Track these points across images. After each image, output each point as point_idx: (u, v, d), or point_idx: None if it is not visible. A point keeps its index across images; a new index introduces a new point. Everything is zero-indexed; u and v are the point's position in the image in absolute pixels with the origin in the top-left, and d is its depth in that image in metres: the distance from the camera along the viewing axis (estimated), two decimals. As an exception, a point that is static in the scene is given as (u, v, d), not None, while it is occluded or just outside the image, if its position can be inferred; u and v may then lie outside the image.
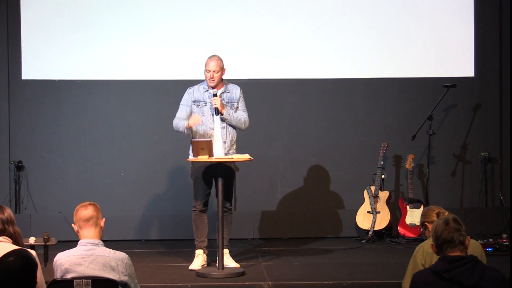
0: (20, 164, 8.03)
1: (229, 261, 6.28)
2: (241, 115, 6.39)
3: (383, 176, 7.87)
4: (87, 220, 3.90)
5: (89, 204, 3.96)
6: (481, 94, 8.32)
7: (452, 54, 8.27)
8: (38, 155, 8.10)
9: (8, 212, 3.99)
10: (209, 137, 6.25)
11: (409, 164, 7.92)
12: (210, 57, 6.36)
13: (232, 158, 6.16)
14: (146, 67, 8.14)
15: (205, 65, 6.33)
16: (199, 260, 6.29)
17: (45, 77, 8.11)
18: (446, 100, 8.09)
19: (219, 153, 6.19)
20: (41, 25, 8.07)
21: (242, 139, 8.02)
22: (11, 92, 8.08)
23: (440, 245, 3.56)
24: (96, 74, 8.13)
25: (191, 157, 6.24)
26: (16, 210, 7.92)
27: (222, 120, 6.30)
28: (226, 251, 6.30)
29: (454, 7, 8.25)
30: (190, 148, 6.25)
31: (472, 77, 8.30)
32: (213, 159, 6.00)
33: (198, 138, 6.20)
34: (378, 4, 8.23)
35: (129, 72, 8.14)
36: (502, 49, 8.24)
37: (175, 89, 8.14)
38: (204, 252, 6.35)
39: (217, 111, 6.26)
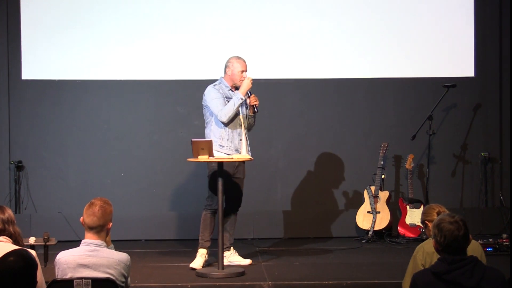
0: (20, 164, 8.03)
1: (238, 258, 6.35)
2: None
3: (383, 176, 7.87)
4: (90, 228, 3.89)
5: (99, 209, 3.90)
6: (481, 94, 8.32)
7: (452, 54, 8.27)
8: (38, 155, 8.10)
9: (9, 212, 3.99)
10: (239, 135, 6.32)
11: (409, 164, 7.92)
12: (238, 58, 6.43)
13: (232, 158, 6.16)
14: (146, 67, 8.14)
15: (236, 66, 6.35)
16: (201, 260, 6.29)
17: (45, 77, 8.11)
18: (446, 100, 8.09)
19: (245, 153, 6.31)
20: (41, 25, 8.07)
21: (242, 139, 8.04)
22: (11, 92, 8.08)
23: (446, 247, 3.51)
24: (96, 74, 8.13)
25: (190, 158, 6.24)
26: (16, 210, 7.92)
27: (253, 116, 6.41)
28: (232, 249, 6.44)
29: (454, 7, 8.25)
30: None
31: (472, 77, 8.30)
32: (213, 159, 6.00)
33: (198, 138, 6.21)
34: (378, 5, 8.23)
35: (129, 72, 8.14)
36: (502, 49, 8.24)
37: (175, 89, 8.16)
38: (207, 253, 6.36)
39: (256, 108, 6.35)
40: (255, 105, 6.33)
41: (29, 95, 8.10)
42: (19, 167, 8.01)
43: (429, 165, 8.03)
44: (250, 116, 6.41)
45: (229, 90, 6.39)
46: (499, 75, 8.27)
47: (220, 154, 6.21)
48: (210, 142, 6.02)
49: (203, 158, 5.98)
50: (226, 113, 6.24)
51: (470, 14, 8.25)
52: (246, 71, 6.40)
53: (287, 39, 8.19)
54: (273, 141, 8.25)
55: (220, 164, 6.07)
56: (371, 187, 7.83)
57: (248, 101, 6.35)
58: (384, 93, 8.30)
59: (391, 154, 8.17)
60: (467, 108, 8.32)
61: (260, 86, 8.19)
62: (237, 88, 6.38)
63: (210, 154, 5.95)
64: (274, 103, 8.24)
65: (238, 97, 6.25)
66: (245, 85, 6.29)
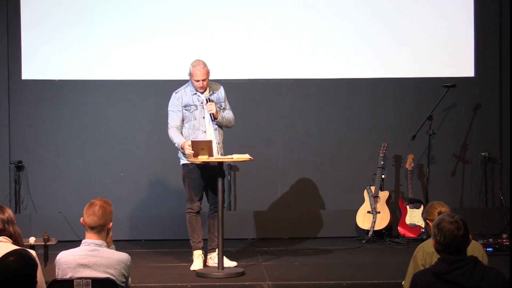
0: (20, 164, 8.03)
1: (226, 261, 6.31)
2: (229, 115, 6.40)
3: (383, 176, 7.87)
4: (91, 228, 3.89)
5: (99, 209, 3.89)
6: (481, 94, 8.32)
7: (452, 54, 8.27)
8: (38, 155, 8.10)
9: (8, 212, 3.99)
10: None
11: (409, 164, 7.92)
12: (195, 66, 6.21)
13: (232, 158, 6.15)
14: (146, 67, 8.14)
15: (192, 74, 6.22)
16: (200, 261, 6.29)
17: (45, 77, 8.11)
18: (446, 100, 8.09)
19: (216, 155, 6.17)
20: (41, 25, 8.07)
21: (242, 139, 8.05)
22: (11, 92, 8.08)
23: (446, 247, 3.51)
24: (96, 74, 8.13)
25: (187, 158, 6.21)
26: (16, 210, 7.92)
27: (216, 123, 6.29)
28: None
29: (454, 7, 8.25)
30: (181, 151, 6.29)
31: (472, 77, 8.30)
32: (213, 159, 6.00)
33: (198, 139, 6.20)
34: (378, 5, 8.23)
35: (129, 72, 8.14)
36: (502, 49, 8.24)
37: (175, 89, 8.13)
38: (203, 253, 6.35)
39: (212, 116, 6.23)
40: (212, 114, 6.20)
41: (29, 95, 8.10)
42: (19, 167, 8.02)
43: (429, 165, 8.03)
44: (216, 122, 6.28)
45: (193, 95, 6.30)
46: (499, 75, 8.27)
47: (183, 161, 6.30)
48: (210, 142, 6.02)
49: (203, 158, 5.98)
50: (170, 136, 6.32)
51: (470, 14, 8.24)
52: (204, 80, 6.19)
53: (287, 39, 8.19)
54: (273, 141, 8.25)
55: (220, 164, 6.07)
56: (371, 187, 7.83)
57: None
58: (384, 93, 8.30)
59: (391, 154, 8.17)
60: (467, 108, 8.32)
61: (260, 86, 8.22)
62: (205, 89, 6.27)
63: (210, 154, 5.95)
64: (274, 103, 8.24)
65: (177, 143, 6.20)
66: (185, 152, 6.13)
